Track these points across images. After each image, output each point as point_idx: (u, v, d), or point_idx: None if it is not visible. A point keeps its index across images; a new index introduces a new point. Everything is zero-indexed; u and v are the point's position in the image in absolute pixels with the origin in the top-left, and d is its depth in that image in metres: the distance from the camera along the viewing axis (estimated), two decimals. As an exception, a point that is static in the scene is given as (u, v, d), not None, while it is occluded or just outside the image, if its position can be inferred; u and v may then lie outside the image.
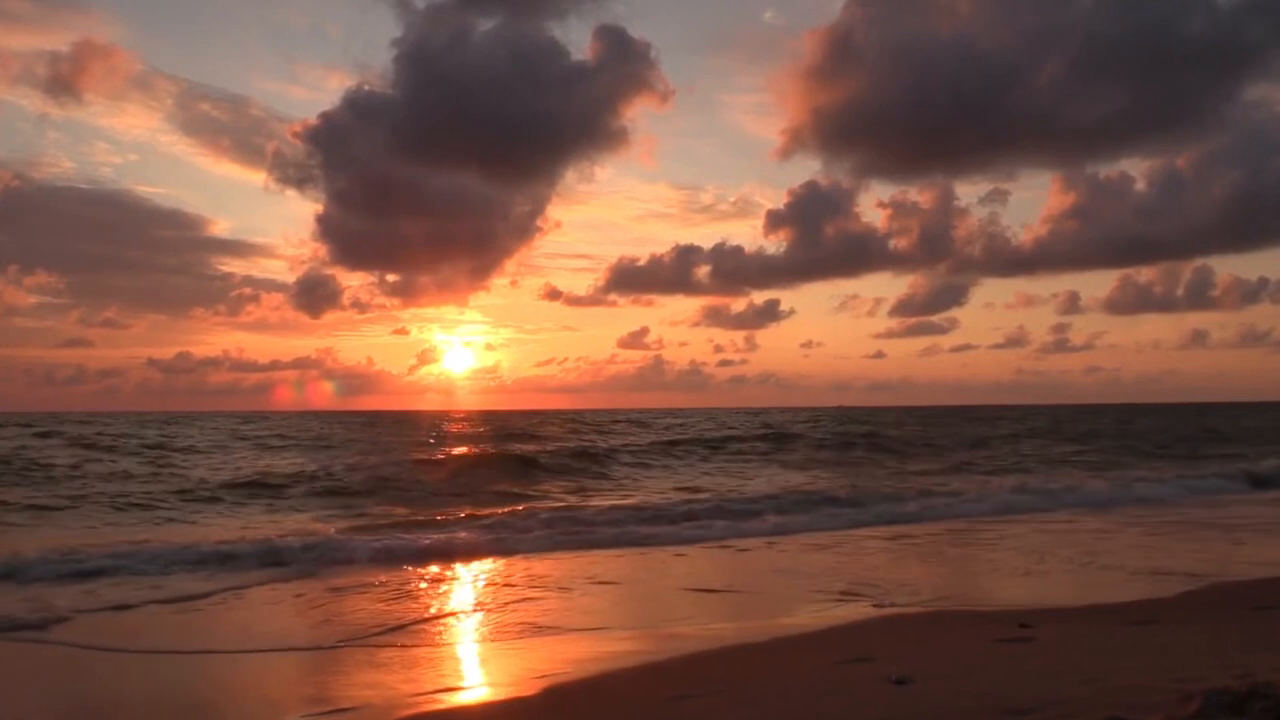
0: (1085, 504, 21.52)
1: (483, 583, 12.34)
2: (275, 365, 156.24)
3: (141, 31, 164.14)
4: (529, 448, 38.00)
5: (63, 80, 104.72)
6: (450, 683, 7.52)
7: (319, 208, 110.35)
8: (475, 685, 7.52)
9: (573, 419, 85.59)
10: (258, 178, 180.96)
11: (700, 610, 10.34)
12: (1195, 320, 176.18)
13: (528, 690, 7.13)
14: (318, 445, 44.00)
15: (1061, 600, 10.23)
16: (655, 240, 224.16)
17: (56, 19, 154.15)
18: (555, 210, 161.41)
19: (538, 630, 9.33)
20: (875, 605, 10.14)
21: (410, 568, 13.38)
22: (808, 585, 11.73)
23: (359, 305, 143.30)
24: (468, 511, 19.32)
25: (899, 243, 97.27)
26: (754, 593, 11.58)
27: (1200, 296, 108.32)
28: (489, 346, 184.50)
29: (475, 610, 10.58)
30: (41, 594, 11.13)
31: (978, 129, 69.67)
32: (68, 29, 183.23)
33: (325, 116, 76.80)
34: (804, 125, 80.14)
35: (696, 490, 24.60)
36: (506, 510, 19.35)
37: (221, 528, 17.41)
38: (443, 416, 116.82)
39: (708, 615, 10.02)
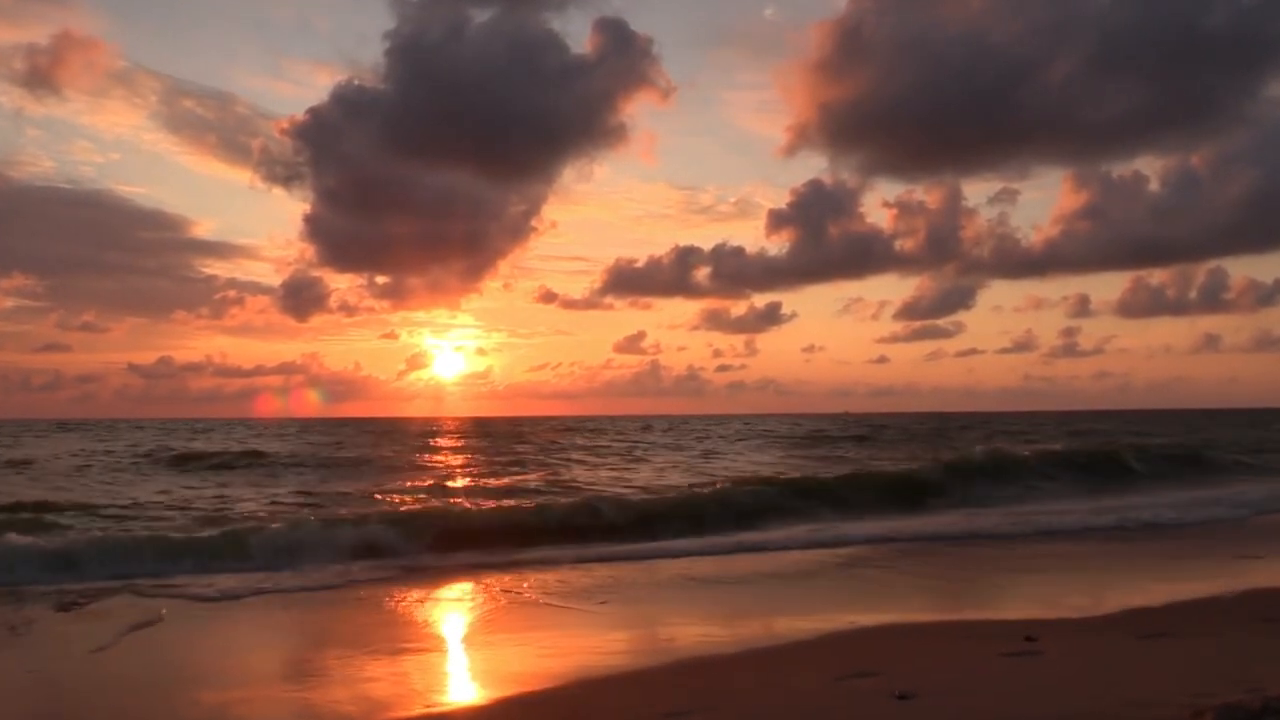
0: None
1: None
2: (259, 370, 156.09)
3: (123, 26, 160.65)
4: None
5: (41, 74, 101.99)
6: (427, 694, 7.42)
7: (306, 207, 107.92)
8: (446, 695, 7.39)
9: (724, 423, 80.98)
10: (243, 177, 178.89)
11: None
12: (1208, 324, 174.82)
13: (486, 701, 7.01)
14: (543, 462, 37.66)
15: (1068, 612, 10.05)
16: (653, 241, 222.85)
17: (34, 11, 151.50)
18: (551, 210, 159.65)
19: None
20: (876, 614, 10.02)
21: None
22: None
23: (347, 308, 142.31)
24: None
25: (905, 244, 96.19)
26: None
27: (1214, 299, 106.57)
28: (480, 351, 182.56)
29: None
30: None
31: (988, 126, 68.78)
32: (46, 22, 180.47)
33: (314, 112, 75.48)
34: (809, 121, 79.30)
35: None
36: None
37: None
38: (436, 423, 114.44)
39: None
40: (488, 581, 12.71)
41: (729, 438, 59.94)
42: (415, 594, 11.91)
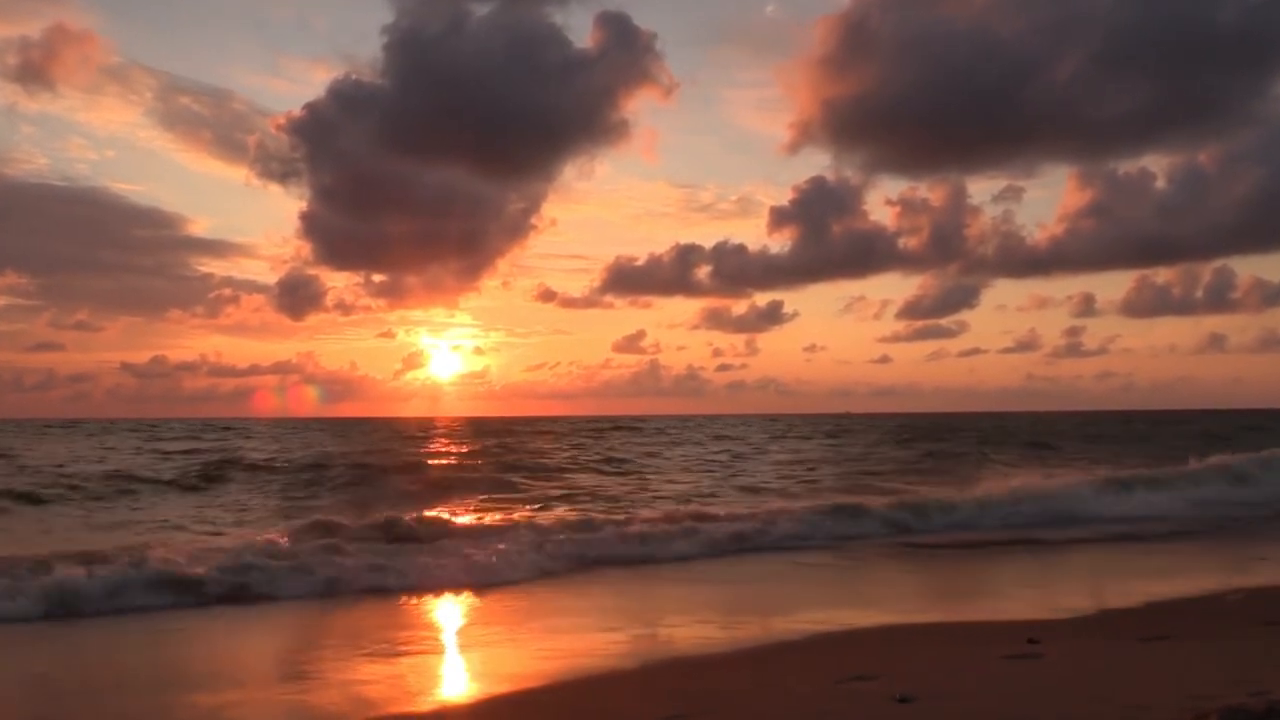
0: None
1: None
2: (254, 370, 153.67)
3: (118, 22, 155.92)
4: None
5: (35, 69, 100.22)
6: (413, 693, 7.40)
7: (303, 204, 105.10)
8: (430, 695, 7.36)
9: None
10: (239, 174, 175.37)
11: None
12: (1214, 323, 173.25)
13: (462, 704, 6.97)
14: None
15: (1069, 613, 9.99)
16: (654, 240, 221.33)
17: (27, 7, 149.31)
18: (551, 208, 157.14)
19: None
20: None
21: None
22: None
23: (343, 307, 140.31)
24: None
25: (908, 242, 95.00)
26: None
27: (1220, 299, 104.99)
28: (478, 350, 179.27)
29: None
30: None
31: (993, 123, 67.66)
32: (39, 17, 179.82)
33: (310, 108, 74.29)
34: (812, 118, 78.34)
35: None
36: None
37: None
38: (432, 424, 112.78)
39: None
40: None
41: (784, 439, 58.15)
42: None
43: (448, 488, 25.46)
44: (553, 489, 25.66)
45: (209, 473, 27.67)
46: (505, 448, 45.83)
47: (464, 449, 46.25)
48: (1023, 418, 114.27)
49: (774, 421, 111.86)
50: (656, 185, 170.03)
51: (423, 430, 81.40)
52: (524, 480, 28.07)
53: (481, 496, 23.62)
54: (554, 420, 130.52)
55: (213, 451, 38.73)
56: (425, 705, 7.04)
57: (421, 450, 45.66)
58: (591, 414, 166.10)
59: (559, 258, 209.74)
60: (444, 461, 37.46)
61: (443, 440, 58.87)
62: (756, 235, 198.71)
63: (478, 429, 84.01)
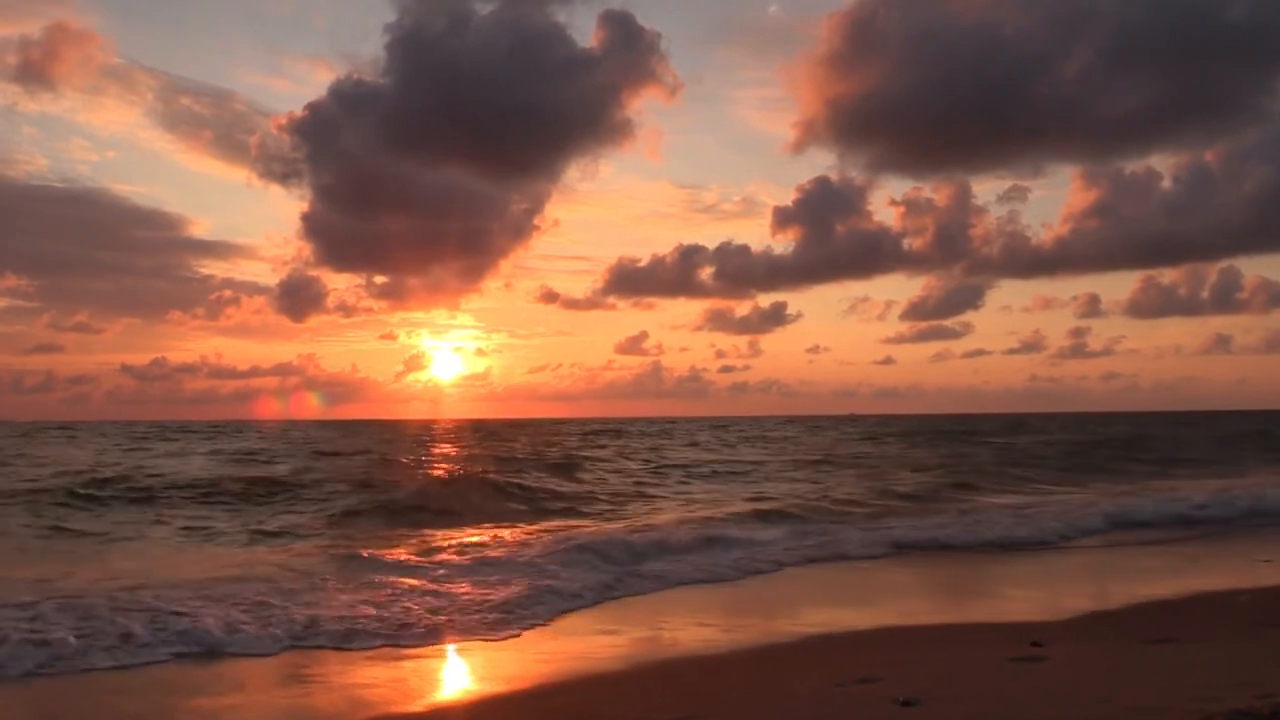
0: None
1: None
2: (255, 372, 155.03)
3: (119, 22, 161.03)
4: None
5: (35, 70, 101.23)
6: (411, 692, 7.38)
7: (304, 205, 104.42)
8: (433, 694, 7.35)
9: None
10: (240, 175, 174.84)
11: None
12: (1219, 324, 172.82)
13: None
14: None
15: (1073, 615, 9.94)
16: (657, 240, 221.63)
17: (27, 8, 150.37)
18: (553, 208, 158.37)
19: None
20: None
21: None
22: None
23: (344, 308, 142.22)
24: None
25: (913, 242, 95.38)
26: None
27: (1226, 299, 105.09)
28: (480, 352, 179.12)
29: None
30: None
31: (999, 122, 67.50)
32: (39, 17, 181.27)
33: (312, 107, 74.40)
34: (816, 118, 78.49)
35: None
36: None
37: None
38: (432, 426, 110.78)
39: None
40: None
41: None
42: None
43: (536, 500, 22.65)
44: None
45: (252, 482, 25.51)
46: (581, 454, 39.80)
47: (516, 452, 41.45)
48: (1034, 419, 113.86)
49: (789, 423, 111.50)
50: (659, 185, 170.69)
51: (443, 434, 79.71)
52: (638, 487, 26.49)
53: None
54: (561, 422, 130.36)
55: (232, 454, 38.35)
56: (425, 705, 7.03)
57: (478, 455, 41.21)
58: (594, 416, 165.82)
59: (561, 259, 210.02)
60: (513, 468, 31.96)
61: (499, 443, 54.23)
62: (760, 236, 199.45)
63: (496, 431, 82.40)
